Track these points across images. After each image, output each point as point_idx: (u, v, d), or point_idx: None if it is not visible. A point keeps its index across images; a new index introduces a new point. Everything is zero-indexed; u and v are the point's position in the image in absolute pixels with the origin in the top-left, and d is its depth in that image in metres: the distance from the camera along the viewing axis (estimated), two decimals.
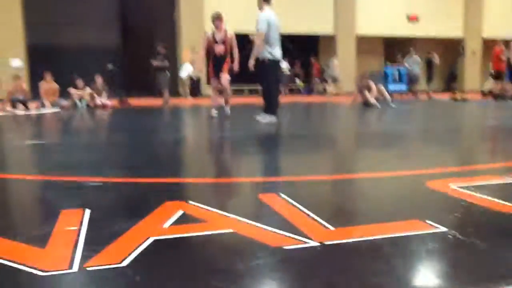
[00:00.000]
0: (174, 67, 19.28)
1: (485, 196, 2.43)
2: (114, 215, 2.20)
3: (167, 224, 2.03)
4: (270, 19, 6.79)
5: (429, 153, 4.32)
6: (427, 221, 2.01)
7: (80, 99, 11.90)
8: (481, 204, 2.32)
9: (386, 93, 11.67)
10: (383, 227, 1.99)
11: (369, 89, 11.05)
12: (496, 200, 2.37)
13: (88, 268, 1.56)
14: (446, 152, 4.45)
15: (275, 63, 6.84)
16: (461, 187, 2.63)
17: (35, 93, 12.49)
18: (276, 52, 6.83)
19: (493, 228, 2.03)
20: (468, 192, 2.53)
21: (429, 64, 16.37)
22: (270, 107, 6.93)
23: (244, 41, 15.77)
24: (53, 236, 1.88)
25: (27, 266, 1.58)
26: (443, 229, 1.92)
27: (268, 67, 6.87)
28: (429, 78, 16.39)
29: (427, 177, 2.98)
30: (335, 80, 18.49)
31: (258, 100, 7.35)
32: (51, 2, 19.24)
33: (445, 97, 15.20)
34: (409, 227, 1.98)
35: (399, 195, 2.66)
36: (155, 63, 12.67)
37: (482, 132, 6.42)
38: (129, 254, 1.68)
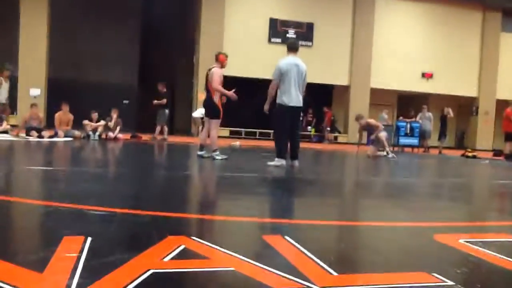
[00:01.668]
0: (190, 107, 19.63)
1: (494, 253, 2.37)
2: (115, 245, 2.18)
3: (168, 258, 2.00)
4: (283, 66, 6.88)
5: (437, 206, 4.25)
6: (434, 274, 1.96)
7: (94, 131, 12.07)
8: (490, 261, 2.26)
9: (386, 144, 11.58)
10: (388, 277, 1.94)
11: (366, 129, 11.41)
12: (506, 257, 2.30)
13: None
14: (454, 206, 4.38)
15: (285, 108, 6.89)
16: (469, 242, 2.58)
17: (50, 123, 12.70)
18: (287, 98, 6.87)
19: (502, 286, 1.96)
20: (477, 247, 2.47)
21: (442, 120, 16.40)
22: (277, 150, 6.96)
23: (256, 86, 16.05)
24: (52, 262, 1.86)
25: None
26: (450, 283, 1.86)
27: (277, 112, 6.95)
28: (442, 134, 16.35)
29: (435, 230, 2.93)
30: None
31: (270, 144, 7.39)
32: (75, 39, 19.91)
33: (456, 154, 15.17)
34: (415, 279, 1.92)
35: (406, 246, 2.61)
36: (155, 102, 13.55)
37: (491, 190, 6.34)
38: (127, 285, 1.65)
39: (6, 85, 12.45)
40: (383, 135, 11.28)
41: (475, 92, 22.11)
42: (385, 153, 11.15)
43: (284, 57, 7.09)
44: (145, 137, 13.71)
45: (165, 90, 13.76)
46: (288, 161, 7.00)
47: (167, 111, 13.64)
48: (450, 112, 16.31)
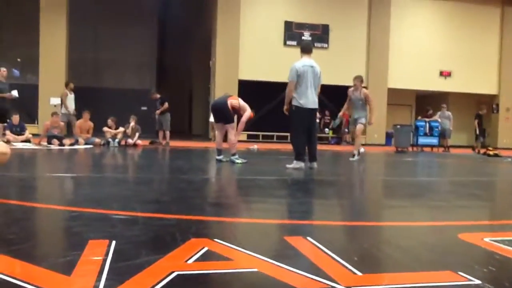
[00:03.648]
0: (207, 112, 19.74)
1: None
2: (140, 248, 2.20)
3: (191, 260, 2.02)
4: (300, 68, 6.88)
5: (460, 205, 4.20)
6: (460, 273, 1.94)
7: (113, 138, 12.21)
8: None
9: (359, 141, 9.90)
10: (413, 276, 1.93)
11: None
12: None
13: None
14: (478, 205, 4.32)
15: (302, 110, 6.88)
16: (495, 241, 2.54)
17: (70, 130, 12.91)
18: (304, 100, 6.86)
19: None
20: (503, 246, 2.44)
21: (479, 120, 15.94)
22: (296, 152, 6.95)
23: (272, 89, 16.04)
24: (78, 265, 1.89)
25: None
26: (477, 282, 1.84)
27: (293, 114, 6.94)
28: (480, 134, 15.85)
29: (459, 229, 2.89)
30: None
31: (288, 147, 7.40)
32: (93, 46, 20.21)
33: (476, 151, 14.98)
34: (441, 278, 1.90)
35: (430, 245, 2.58)
36: (159, 111, 13.71)
37: None
38: (152, 287, 1.67)
39: (71, 97, 13.08)
40: (360, 127, 9.62)
41: (495, 89, 21.76)
42: (354, 153, 9.47)
43: (298, 60, 7.09)
44: (164, 142, 13.81)
45: (159, 96, 13.94)
46: (307, 163, 6.99)
47: (168, 115, 13.82)
48: (483, 110, 16.01)
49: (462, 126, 20.53)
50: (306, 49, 7.21)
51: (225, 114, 7.81)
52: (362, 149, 9.10)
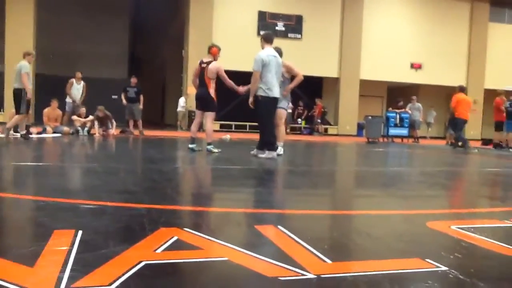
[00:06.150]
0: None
1: (485, 238, 2.39)
2: (107, 238, 2.15)
3: (160, 249, 1.99)
4: (265, 58, 6.86)
5: (428, 194, 4.27)
6: (428, 260, 1.96)
7: (83, 127, 11.96)
8: (482, 246, 2.27)
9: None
10: (382, 264, 1.94)
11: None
12: (497, 242, 2.32)
13: None
14: (445, 194, 4.41)
15: (269, 100, 6.86)
16: (461, 228, 2.59)
17: (38, 119, 12.58)
18: (271, 90, 6.85)
19: (495, 270, 1.97)
20: (469, 233, 2.49)
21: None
22: (267, 142, 6.93)
23: (246, 79, 15.92)
24: (42, 256, 1.83)
25: (14, 285, 1.53)
26: (444, 268, 1.87)
27: (261, 104, 6.90)
28: (449, 126, 15.72)
29: (427, 217, 2.94)
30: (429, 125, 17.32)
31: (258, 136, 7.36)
32: (62, 36, 19.71)
33: (444, 143, 15.30)
34: (409, 265, 1.93)
35: (399, 233, 2.61)
36: (125, 96, 13.38)
37: (480, 178, 6.38)
38: (119, 277, 1.63)
39: (78, 87, 12.77)
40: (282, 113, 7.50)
41: (463, 82, 22.20)
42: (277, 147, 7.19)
43: (263, 49, 7.04)
44: (136, 131, 13.60)
45: (136, 82, 13.69)
46: (259, 151, 7.00)
47: (140, 104, 13.55)
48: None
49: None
50: (269, 39, 7.20)
51: (209, 103, 7.67)
52: (280, 145, 7.52)
